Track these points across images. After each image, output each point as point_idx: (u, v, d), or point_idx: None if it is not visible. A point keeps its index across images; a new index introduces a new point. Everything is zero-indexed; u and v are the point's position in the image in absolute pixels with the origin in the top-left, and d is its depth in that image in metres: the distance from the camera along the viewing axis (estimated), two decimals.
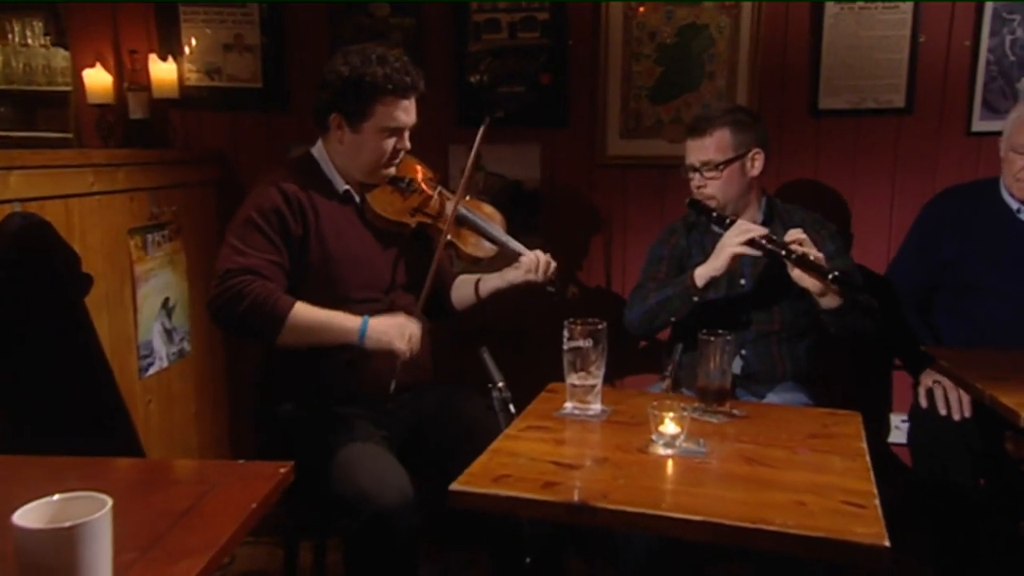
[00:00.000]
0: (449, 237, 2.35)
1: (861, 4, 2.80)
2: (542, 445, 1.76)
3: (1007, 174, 2.50)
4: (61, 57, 3.06)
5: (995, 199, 2.56)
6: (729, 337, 1.93)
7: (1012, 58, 2.76)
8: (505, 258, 2.45)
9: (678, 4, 2.91)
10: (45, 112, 3.06)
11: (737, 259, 2.31)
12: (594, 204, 3.09)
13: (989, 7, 2.74)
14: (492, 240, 2.45)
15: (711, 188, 2.45)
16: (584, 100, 3.03)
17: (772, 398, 2.44)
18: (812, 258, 2.19)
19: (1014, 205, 2.52)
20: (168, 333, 2.90)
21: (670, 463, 1.68)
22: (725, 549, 1.53)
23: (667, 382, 2.36)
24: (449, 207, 2.39)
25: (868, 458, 1.69)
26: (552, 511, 1.51)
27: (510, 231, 2.50)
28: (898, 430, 2.92)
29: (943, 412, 2.36)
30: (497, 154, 3.05)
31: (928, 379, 2.45)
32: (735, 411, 1.96)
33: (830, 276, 2.15)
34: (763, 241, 2.25)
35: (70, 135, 3.09)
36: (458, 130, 3.05)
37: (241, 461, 1.49)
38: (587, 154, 3.05)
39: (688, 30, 2.91)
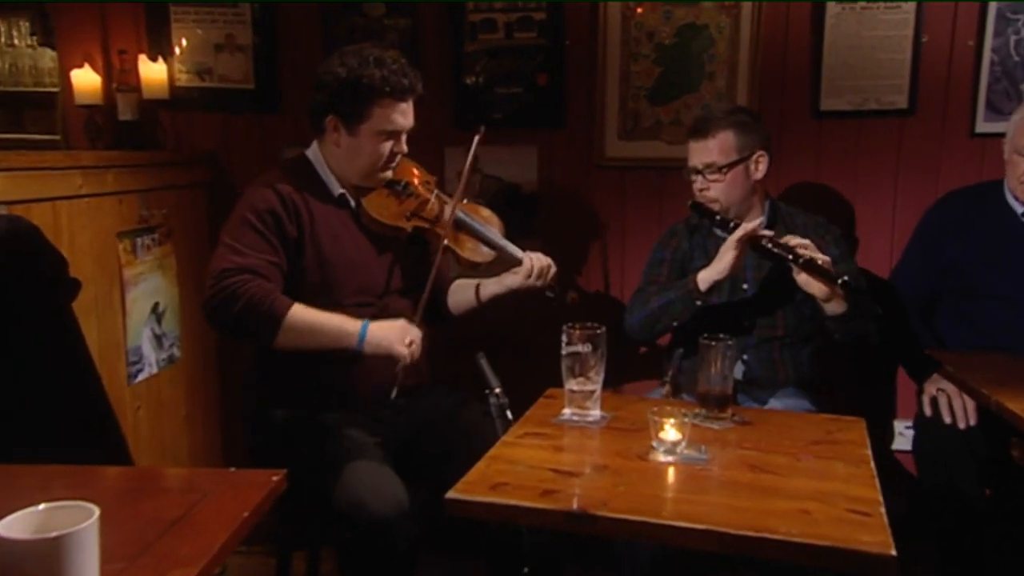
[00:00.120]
0: (447, 242, 2.32)
1: (863, 4, 2.79)
2: (540, 452, 1.74)
3: (1011, 176, 2.48)
4: (48, 57, 3.05)
5: (999, 202, 2.54)
6: (731, 342, 1.90)
7: (1016, 58, 2.75)
8: (503, 263, 2.43)
9: (677, 4, 2.89)
10: (32, 113, 3.05)
11: (742, 261, 2.28)
12: (592, 206, 3.07)
13: (993, 7, 2.73)
14: (490, 245, 2.42)
15: (714, 191, 2.42)
16: (582, 101, 3.01)
17: (774, 404, 2.42)
18: (820, 263, 2.16)
19: (1018, 208, 2.51)
20: (158, 338, 2.87)
21: (671, 470, 1.66)
22: (728, 558, 1.52)
23: (667, 388, 2.35)
24: (446, 211, 2.36)
25: (873, 465, 1.67)
26: (551, 519, 1.49)
27: (507, 235, 2.47)
28: (902, 437, 2.90)
29: (948, 420, 2.35)
30: (493, 156, 3.03)
31: (932, 387, 2.43)
32: (737, 417, 1.93)
33: (839, 281, 2.13)
34: (769, 245, 2.23)
35: (58, 137, 3.07)
36: (454, 132, 3.03)
37: (232, 469, 1.49)
38: (585, 156, 3.04)
39: (687, 30, 2.90)
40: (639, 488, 1.56)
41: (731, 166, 2.39)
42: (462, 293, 2.49)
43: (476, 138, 2.33)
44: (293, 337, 2.06)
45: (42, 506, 1.03)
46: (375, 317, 2.16)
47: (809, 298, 2.25)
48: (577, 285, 3.04)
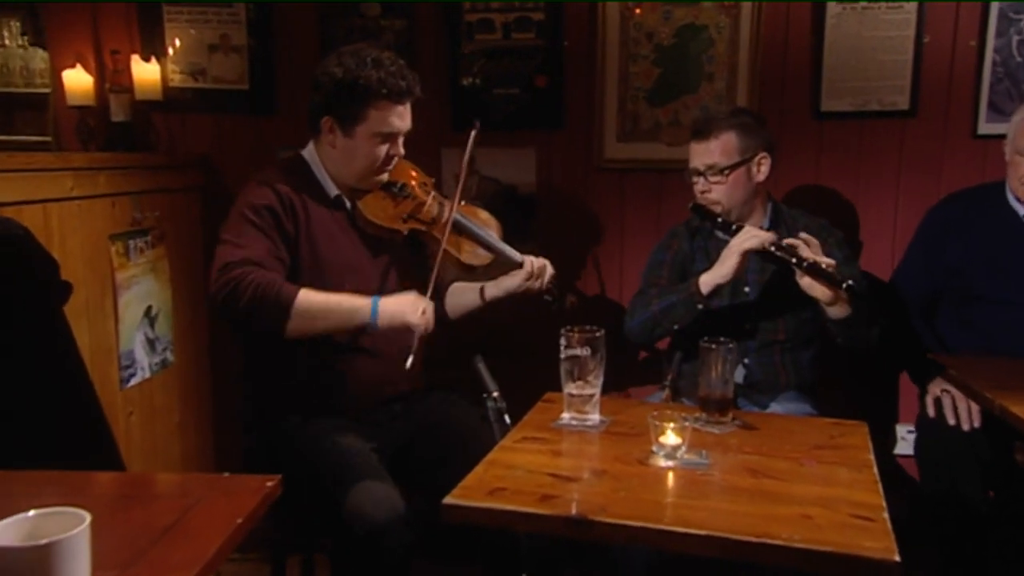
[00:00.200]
0: (444, 245, 2.29)
1: (864, 4, 2.78)
2: (539, 457, 1.73)
3: (1012, 177, 2.47)
4: (40, 58, 3.03)
5: (1001, 203, 2.53)
6: (731, 345, 1.89)
7: (1019, 59, 2.74)
8: (501, 266, 2.41)
9: (676, 4, 2.87)
10: (23, 114, 3.04)
11: (744, 265, 2.26)
12: (591, 209, 3.06)
13: (995, 7, 2.72)
14: (488, 247, 2.40)
15: (716, 193, 2.40)
16: (580, 102, 3.00)
17: (775, 408, 2.41)
18: (824, 266, 2.14)
19: (1020, 209, 2.49)
20: (151, 343, 2.84)
21: (671, 475, 1.65)
22: (729, 564, 1.51)
23: (666, 392, 2.33)
24: (443, 213, 2.34)
25: (875, 469, 1.67)
26: (549, 525, 1.48)
27: (505, 237, 2.45)
28: (904, 441, 2.90)
29: (951, 422, 2.33)
30: (491, 158, 3.02)
31: (936, 388, 2.42)
32: (738, 421, 1.92)
33: (844, 285, 2.10)
34: (773, 248, 2.20)
35: (49, 138, 3.05)
36: (451, 133, 3.02)
37: (226, 475, 1.46)
38: (583, 157, 3.03)
39: (687, 31, 2.89)
40: (639, 493, 1.55)
41: (733, 168, 2.37)
42: (458, 296, 2.47)
43: (472, 134, 2.29)
44: (305, 322, 2.02)
45: (32, 512, 1.03)
46: None
47: (811, 301, 2.23)
48: (576, 288, 3.03)
